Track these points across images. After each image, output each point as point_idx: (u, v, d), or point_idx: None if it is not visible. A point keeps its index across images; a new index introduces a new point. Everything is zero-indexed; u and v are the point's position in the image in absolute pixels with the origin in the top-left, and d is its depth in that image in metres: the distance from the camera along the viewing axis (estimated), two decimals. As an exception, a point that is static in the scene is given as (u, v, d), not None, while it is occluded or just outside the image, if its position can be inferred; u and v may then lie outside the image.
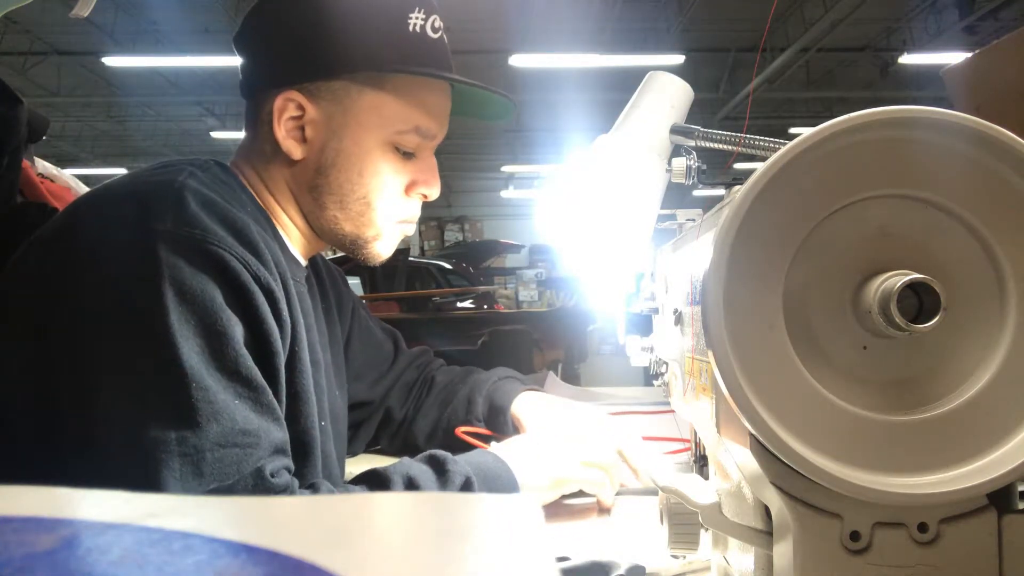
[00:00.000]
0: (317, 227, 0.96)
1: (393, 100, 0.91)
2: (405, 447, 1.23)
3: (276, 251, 0.85)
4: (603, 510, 0.98)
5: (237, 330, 0.75)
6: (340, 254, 1.04)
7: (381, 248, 0.97)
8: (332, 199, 0.92)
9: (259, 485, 0.73)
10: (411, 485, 0.84)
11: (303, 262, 0.99)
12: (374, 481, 0.85)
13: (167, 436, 0.69)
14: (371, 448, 1.26)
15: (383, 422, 1.24)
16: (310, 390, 0.88)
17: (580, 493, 0.99)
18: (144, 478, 0.69)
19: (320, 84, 0.90)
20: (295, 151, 0.91)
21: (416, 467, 0.87)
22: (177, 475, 0.69)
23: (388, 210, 0.94)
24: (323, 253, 1.19)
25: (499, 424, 1.18)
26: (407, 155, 0.94)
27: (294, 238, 0.97)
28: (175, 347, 0.71)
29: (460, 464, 0.89)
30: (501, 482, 0.91)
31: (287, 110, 0.90)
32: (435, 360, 1.32)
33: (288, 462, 0.79)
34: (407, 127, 0.92)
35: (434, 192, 0.97)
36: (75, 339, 0.73)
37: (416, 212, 0.98)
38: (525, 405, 1.17)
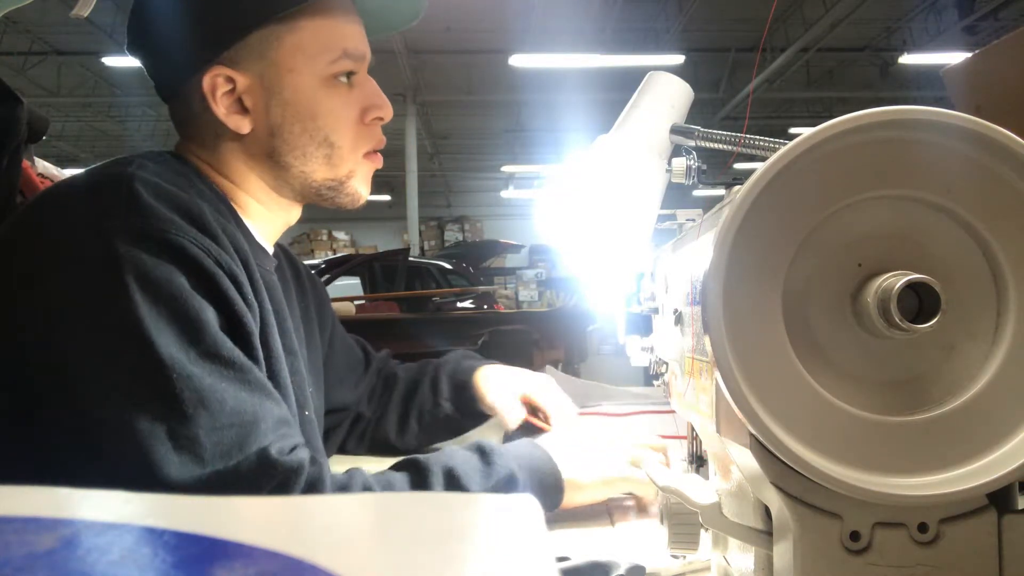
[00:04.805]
0: (289, 189, 0.93)
1: (311, 34, 0.88)
2: (374, 445, 1.22)
3: (238, 238, 0.84)
4: (643, 509, 0.96)
5: (210, 314, 0.74)
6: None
7: (358, 186, 0.95)
8: (295, 154, 0.90)
9: (265, 464, 0.70)
10: (451, 475, 0.82)
11: (270, 250, 0.97)
12: (413, 468, 0.83)
13: (158, 431, 0.68)
14: (339, 451, 1.25)
15: (352, 425, 1.23)
16: (286, 375, 0.86)
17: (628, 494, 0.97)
18: (146, 476, 0.67)
19: (237, 48, 0.87)
20: (242, 125, 0.88)
21: (460, 455, 0.85)
22: (177, 465, 0.67)
23: (352, 144, 0.92)
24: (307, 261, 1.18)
25: (465, 400, 1.20)
26: (348, 85, 0.92)
27: (258, 221, 0.94)
28: (150, 340, 0.69)
29: (506, 458, 0.87)
30: (547, 479, 0.89)
31: (218, 87, 0.87)
32: (392, 360, 1.34)
33: (298, 437, 0.76)
34: (336, 54, 0.89)
35: (387, 112, 0.95)
36: (50, 345, 0.71)
37: (380, 140, 0.96)
38: (486, 376, 1.20)
